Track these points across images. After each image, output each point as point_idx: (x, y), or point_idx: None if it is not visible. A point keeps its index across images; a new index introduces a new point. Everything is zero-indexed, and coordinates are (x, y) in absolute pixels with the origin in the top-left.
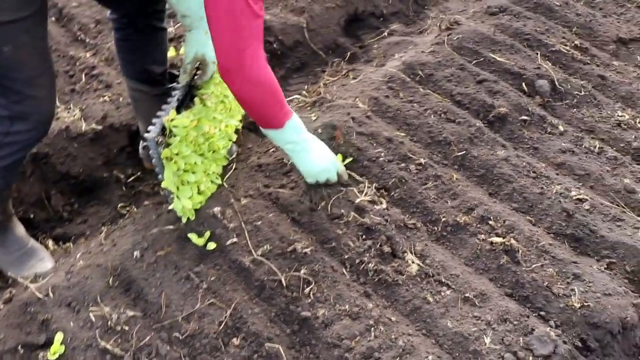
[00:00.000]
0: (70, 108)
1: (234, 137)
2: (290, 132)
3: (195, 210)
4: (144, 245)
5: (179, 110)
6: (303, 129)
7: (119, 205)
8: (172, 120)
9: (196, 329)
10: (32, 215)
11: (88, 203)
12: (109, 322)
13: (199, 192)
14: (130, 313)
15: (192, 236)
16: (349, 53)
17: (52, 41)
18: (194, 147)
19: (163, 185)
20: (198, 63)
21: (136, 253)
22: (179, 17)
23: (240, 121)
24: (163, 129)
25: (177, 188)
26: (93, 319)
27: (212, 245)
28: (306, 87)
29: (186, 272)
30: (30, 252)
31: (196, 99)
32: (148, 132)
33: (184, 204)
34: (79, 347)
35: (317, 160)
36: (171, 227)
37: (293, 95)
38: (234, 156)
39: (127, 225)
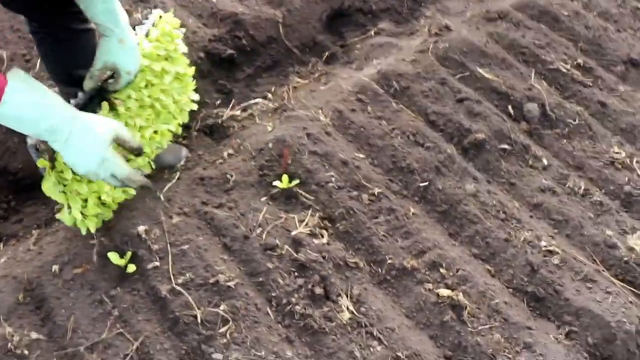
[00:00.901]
0: None
1: (165, 143)
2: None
3: (107, 222)
4: (65, 259)
5: None
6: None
7: (57, 207)
8: None
9: None
10: None
11: (26, 202)
12: (9, 344)
13: (103, 204)
14: (34, 335)
15: (112, 256)
16: (327, 52)
17: (13, 20)
18: None
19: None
20: (109, 71)
21: (55, 267)
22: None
23: (181, 125)
24: None
25: (67, 198)
26: None
27: (132, 268)
28: (274, 88)
29: (100, 294)
30: None
31: (104, 105)
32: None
33: (75, 216)
34: None
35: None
36: (96, 239)
37: (257, 98)
38: (182, 162)
39: (59, 231)
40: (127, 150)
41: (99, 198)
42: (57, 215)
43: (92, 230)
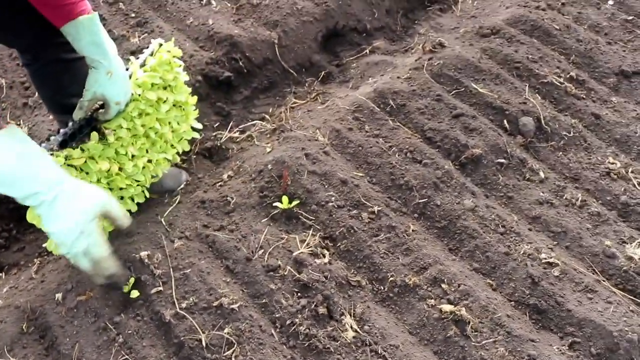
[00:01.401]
0: (20, 124)
1: (161, 172)
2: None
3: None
4: (67, 287)
5: (65, 145)
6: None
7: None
8: None
9: None
10: None
11: (27, 229)
12: None
13: None
14: None
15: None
16: (323, 72)
17: (8, 50)
18: None
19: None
20: (98, 102)
21: (58, 295)
22: None
23: (179, 154)
24: None
25: None
26: None
27: (135, 293)
28: (271, 109)
29: (105, 321)
30: None
31: (93, 135)
32: None
33: None
34: None
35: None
36: None
37: (255, 120)
38: (181, 186)
39: (61, 259)
40: (114, 226)
41: None
42: (45, 245)
43: None
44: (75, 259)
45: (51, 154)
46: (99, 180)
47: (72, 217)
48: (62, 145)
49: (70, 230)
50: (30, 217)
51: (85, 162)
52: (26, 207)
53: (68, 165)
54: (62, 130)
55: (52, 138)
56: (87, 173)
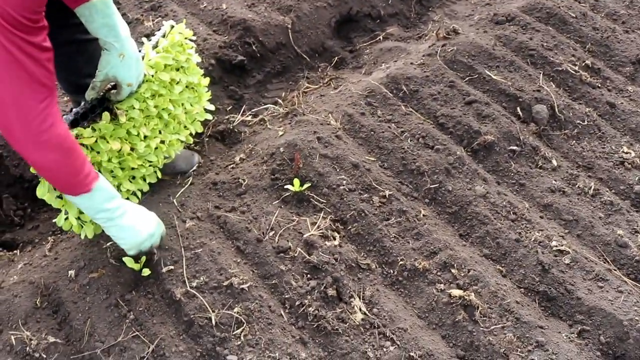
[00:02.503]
0: None
1: (174, 153)
2: (100, 195)
3: None
4: (80, 264)
5: (76, 124)
6: (115, 194)
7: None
8: None
9: None
10: None
11: (41, 208)
12: (28, 348)
13: None
14: (52, 339)
15: (127, 260)
16: (336, 58)
17: None
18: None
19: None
20: (111, 83)
21: (71, 272)
22: None
23: (192, 135)
24: None
25: (63, 204)
26: (13, 342)
27: (146, 272)
28: (284, 94)
29: (116, 298)
30: None
31: (105, 115)
32: None
33: (72, 221)
34: None
35: (139, 229)
36: (111, 243)
37: (268, 104)
38: (194, 168)
39: (74, 237)
40: None
41: None
42: (55, 221)
43: (90, 236)
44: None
45: None
46: (109, 160)
47: (148, 225)
48: (73, 124)
49: (151, 233)
50: (40, 193)
51: (96, 141)
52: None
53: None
54: (73, 110)
55: (64, 117)
56: (97, 152)
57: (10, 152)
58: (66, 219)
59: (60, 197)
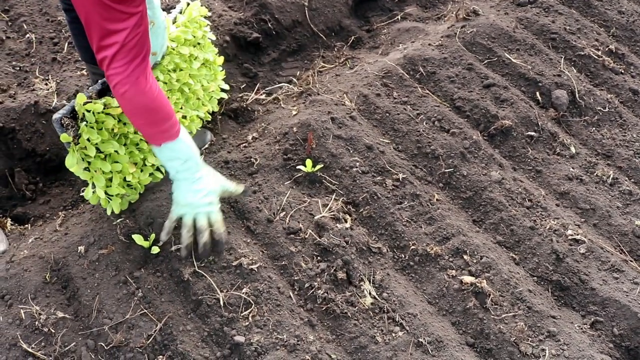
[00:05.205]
0: (48, 79)
1: (195, 129)
2: (182, 146)
3: (132, 204)
4: (90, 240)
5: (103, 94)
6: (195, 150)
7: (83, 189)
8: (84, 104)
9: (122, 340)
10: None
11: (53, 183)
12: (37, 322)
13: (129, 185)
14: (60, 314)
15: (137, 237)
16: (353, 37)
17: (42, 4)
18: (113, 136)
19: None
20: None
21: (81, 248)
22: None
23: (209, 112)
24: (75, 111)
25: (92, 176)
26: (23, 316)
27: (155, 250)
28: (299, 72)
29: (125, 275)
30: None
31: None
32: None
33: (99, 194)
34: (3, 345)
35: (196, 191)
36: (121, 220)
37: (282, 83)
38: (206, 146)
39: (85, 212)
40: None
41: (125, 179)
42: (82, 193)
43: (117, 212)
44: (185, 220)
45: (90, 102)
46: (136, 132)
47: (212, 188)
48: (101, 94)
49: (207, 198)
50: (69, 164)
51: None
52: (53, 161)
53: (106, 114)
54: (100, 80)
55: (90, 87)
56: (124, 124)
57: (23, 126)
58: (93, 192)
59: (87, 169)
